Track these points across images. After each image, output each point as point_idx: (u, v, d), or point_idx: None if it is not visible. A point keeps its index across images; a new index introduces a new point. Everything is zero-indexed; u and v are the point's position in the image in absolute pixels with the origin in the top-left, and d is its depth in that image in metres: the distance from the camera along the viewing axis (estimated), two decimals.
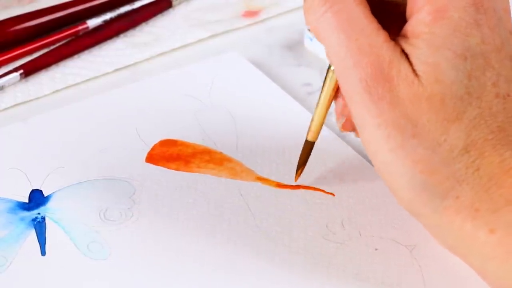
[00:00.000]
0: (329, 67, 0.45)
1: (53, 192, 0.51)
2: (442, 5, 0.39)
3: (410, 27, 0.40)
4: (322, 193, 0.51)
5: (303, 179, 0.51)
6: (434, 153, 0.39)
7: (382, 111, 0.39)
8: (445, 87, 0.39)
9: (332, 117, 0.57)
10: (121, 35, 0.64)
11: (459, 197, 0.39)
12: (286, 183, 0.51)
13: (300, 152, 0.50)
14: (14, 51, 0.62)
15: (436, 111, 0.39)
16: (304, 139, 0.50)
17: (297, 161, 0.50)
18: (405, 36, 0.40)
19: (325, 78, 0.46)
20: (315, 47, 0.63)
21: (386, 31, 0.40)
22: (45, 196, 0.50)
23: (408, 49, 0.40)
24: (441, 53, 0.39)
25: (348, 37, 0.39)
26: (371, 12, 0.41)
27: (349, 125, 0.47)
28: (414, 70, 0.39)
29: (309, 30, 0.62)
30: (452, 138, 0.39)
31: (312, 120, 0.49)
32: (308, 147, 0.50)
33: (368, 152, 0.41)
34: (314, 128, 0.49)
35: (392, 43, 0.40)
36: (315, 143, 0.50)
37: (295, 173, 0.51)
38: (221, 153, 0.53)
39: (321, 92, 0.47)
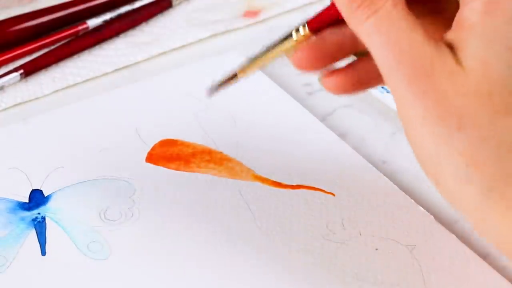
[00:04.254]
0: (290, 34, 0.44)
1: (53, 192, 0.51)
2: None
3: (460, 18, 0.39)
4: (322, 193, 0.51)
5: (303, 179, 0.51)
6: (481, 147, 0.38)
7: (427, 107, 0.39)
8: (493, 81, 0.38)
9: (333, 118, 0.57)
10: (121, 35, 0.64)
11: (504, 194, 0.38)
12: (286, 183, 0.51)
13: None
14: (14, 51, 0.62)
15: (482, 104, 0.38)
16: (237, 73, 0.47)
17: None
18: (454, 28, 0.40)
19: (282, 41, 0.45)
20: None
21: (425, 29, 0.40)
22: (45, 196, 0.50)
23: (455, 41, 0.39)
24: (491, 46, 0.38)
25: (388, 40, 0.39)
26: (411, 10, 0.40)
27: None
28: (459, 64, 0.39)
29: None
30: (500, 133, 0.38)
31: (250, 64, 0.46)
32: (232, 78, 0.47)
33: (413, 145, 0.40)
34: (245, 69, 0.46)
35: (432, 40, 0.39)
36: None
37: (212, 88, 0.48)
38: (221, 153, 0.53)
39: (269, 49, 0.45)
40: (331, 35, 0.44)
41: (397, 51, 0.39)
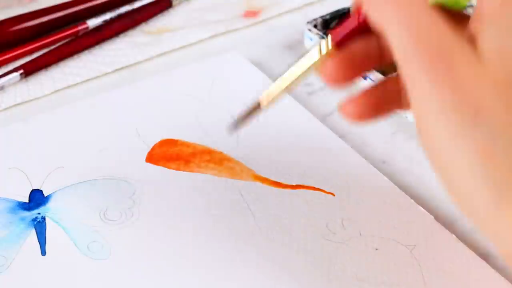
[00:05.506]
0: (312, 49, 0.43)
1: (53, 192, 0.51)
2: None
3: (478, 8, 0.38)
4: (322, 193, 0.51)
5: (303, 179, 0.51)
6: (497, 139, 0.37)
7: (444, 96, 0.37)
8: (510, 71, 0.37)
9: (333, 118, 0.57)
10: (121, 35, 0.64)
11: None
12: (286, 183, 0.51)
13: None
14: (14, 51, 0.62)
15: (500, 95, 0.37)
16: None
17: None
18: (474, 18, 0.39)
19: (304, 57, 0.43)
20: None
21: (448, 15, 0.38)
22: (45, 196, 0.50)
23: (474, 31, 0.38)
24: (508, 36, 0.37)
25: (409, 24, 0.38)
26: None
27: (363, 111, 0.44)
28: (478, 54, 0.38)
29: (309, 30, 0.62)
30: None
31: (272, 87, 0.44)
32: (255, 109, 0.45)
33: (426, 140, 0.39)
34: (269, 93, 0.44)
35: (454, 26, 0.38)
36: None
37: (232, 124, 0.46)
38: (221, 153, 0.53)
39: (299, 60, 0.43)
40: (356, 45, 0.43)
41: (416, 35, 0.38)
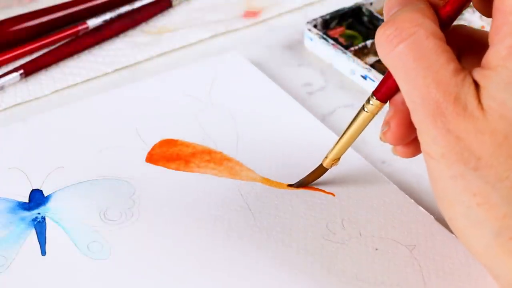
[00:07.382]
0: (363, 107, 0.46)
1: (53, 192, 0.51)
2: None
3: (487, 57, 0.40)
4: (322, 193, 0.51)
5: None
6: (494, 188, 0.39)
7: (448, 143, 0.39)
8: (509, 123, 0.39)
9: (333, 118, 0.57)
10: (121, 35, 0.64)
11: None
12: (286, 183, 0.51)
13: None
14: (14, 51, 0.62)
15: (499, 147, 0.39)
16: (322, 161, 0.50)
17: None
18: (482, 67, 0.40)
19: (357, 116, 0.46)
20: (315, 47, 0.63)
21: (456, 62, 0.40)
22: (45, 196, 0.50)
23: (481, 80, 0.39)
24: (509, 88, 0.38)
25: (416, 74, 0.40)
26: (451, 41, 0.40)
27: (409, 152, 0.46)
28: (481, 104, 0.39)
29: (309, 30, 0.62)
30: None
31: (333, 149, 0.49)
32: (321, 171, 0.50)
33: (431, 179, 0.41)
34: (332, 156, 0.49)
35: (460, 76, 0.39)
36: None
37: (297, 182, 0.51)
38: (221, 153, 0.53)
39: (349, 127, 0.47)
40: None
41: (423, 88, 0.40)
